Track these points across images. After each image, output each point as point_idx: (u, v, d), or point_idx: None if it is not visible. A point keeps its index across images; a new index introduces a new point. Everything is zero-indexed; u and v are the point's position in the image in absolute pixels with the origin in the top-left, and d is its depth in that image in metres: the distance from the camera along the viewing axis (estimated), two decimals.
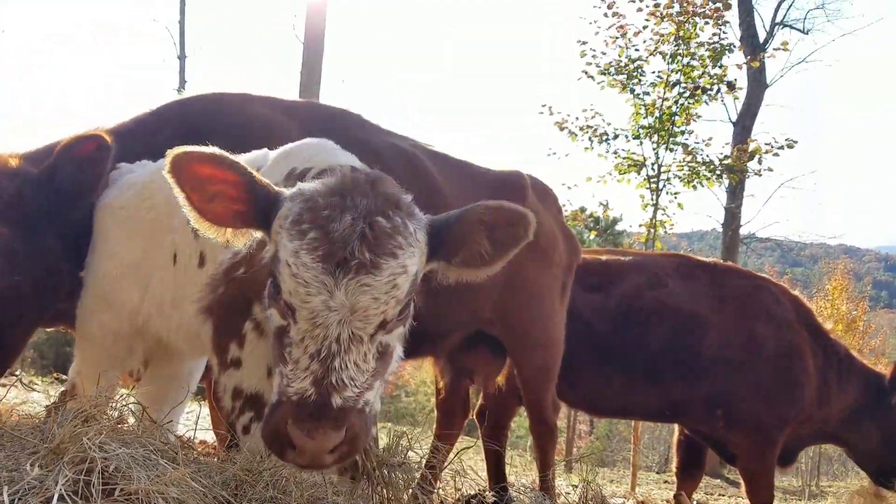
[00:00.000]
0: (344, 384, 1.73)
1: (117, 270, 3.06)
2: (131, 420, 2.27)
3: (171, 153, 1.94)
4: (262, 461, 2.13)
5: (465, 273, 2.12)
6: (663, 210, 12.59)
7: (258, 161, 2.73)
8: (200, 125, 3.81)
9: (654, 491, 9.28)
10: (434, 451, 4.78)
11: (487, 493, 4.22)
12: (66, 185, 3.14)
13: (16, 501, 1.39)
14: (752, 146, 13.54)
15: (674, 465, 6.24)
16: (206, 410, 4.82)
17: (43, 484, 1.41)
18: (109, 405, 1.93)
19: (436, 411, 5.16)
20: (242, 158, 2.83)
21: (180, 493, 1.42)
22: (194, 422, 3.13)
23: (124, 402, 2.39)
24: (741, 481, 5.67)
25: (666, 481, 11.08)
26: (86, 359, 3.17)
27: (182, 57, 19.58)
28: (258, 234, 2.08)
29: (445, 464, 3.71)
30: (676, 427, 6.20)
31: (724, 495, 10.17)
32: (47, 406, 2.73)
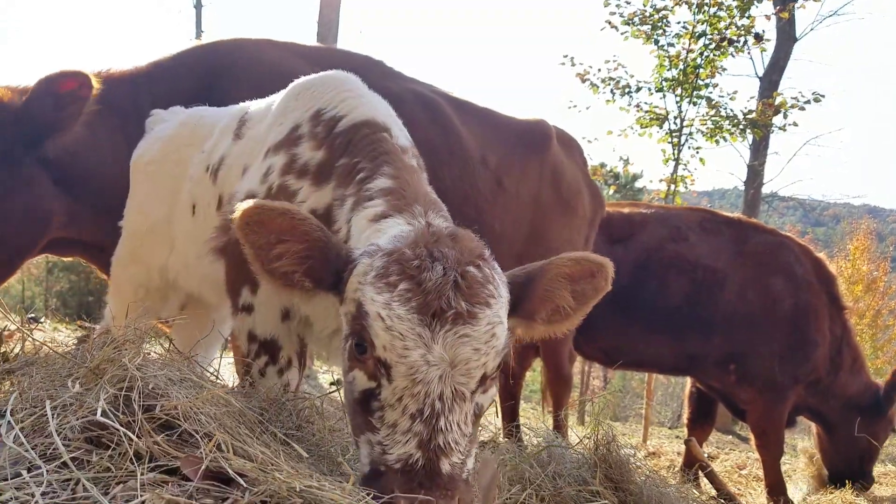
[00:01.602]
0: (451, 448, 1.58)
1: (146, 226, 3.09)
2: (159, 350, 2.34)
3: (242, 206, 1.82)
4: (284, 394, 2.20)
5: (548, 329, 2.00)
6: (685, 165, 12.46)
7: (271, 101, 2.69)
8: (220, 70, 3.82)
9: (665, 445, 9.40)
10: None
11: (501, 437, 4.32)
12: (40, 118, 3.16)
13: (56, 417, 1.46)
14: (777, 100, 13.24)
15: (685, 417, 6.33)
16: (226, 360, 4.93)
17: (83, 400, 1.48)
18: (142, 337, 1.97)
19: None
20: (262, 103, 2.83)
21: (218, 412, 1.48)
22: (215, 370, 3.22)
23: (155, 337, 2.45)
24: (752, 437, 5.75)
25: (678, 436, 11.20)
26: (119, 307, 3.23)
27: (198, 6, 19.39)
28: (325, 296, 1.94)
29: None
30: (688, 380, 6.26)
31: (735, 450, 10.29)
32: (78, 338, 2.82)
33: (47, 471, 1.27)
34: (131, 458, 1.30)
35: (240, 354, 2.54)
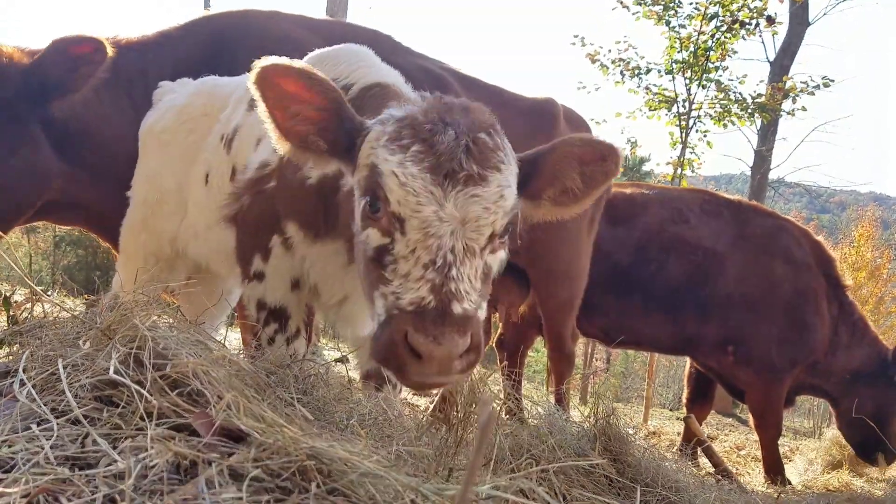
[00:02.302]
0: (462, 294, 1.63)
1: (157, 195, 3.11)
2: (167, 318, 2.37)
3: (259, 64, 1.84)
4: (293, 359, 2.23)
5: (553, 211, 2.06)
6: (692, 149, 12.41)
7: None
8: (229, 40, 3.81)
9: (666, 425, 9.48)
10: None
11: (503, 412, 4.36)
12: (51, 77, 3.20)
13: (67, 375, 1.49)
14: (787, 84, 13.15)
15: (684, 397, 6.38)
16: (233, 334, 4.97)
17: (94, 360, 1.50)
18: (150, 303, 2.00)
19: None
20: None
21: (228, 373, 1.50)
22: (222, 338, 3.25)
23: (162, 305, 2.48)
24: (750, 417, 5.79)
25: (678, 418, 11.28)
26: (128, 276, 3.26)
27: None
28: (336, 165, 2.00)
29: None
30: (688, 360, 6.30)
31: (734, 432, 10.37)
32: (86, 302, 2.85)
33: (57, 425, 1.29)
34: (141, 415, 1.33)
35: (249, 322, 2.56)
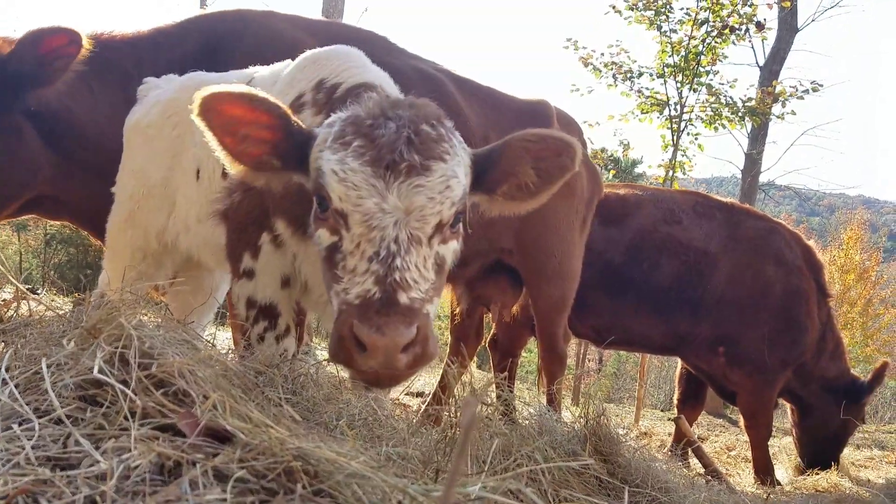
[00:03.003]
0: (408, 284, 1.63)
1: (144, 189, 3.09)
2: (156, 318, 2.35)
3: (200, 95, 1.83)
4: (282, 359, 2.21)
5: (508, 206, 2.06)
6: (683, 151, 12.47)
7: (280, 71, 2.70)
8: (224, 39, 3.80)
9: (658, 426, 9.49)
10: (444, 378, 4.92)
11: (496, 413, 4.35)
12: (22, 69, 3.16)
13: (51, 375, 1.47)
14: (777, 89, 13.24)
15: (675, 398, 6.39)
16: (223, 334, 4.95)
17: (79, 359, 1.48)
18: (137, 301, 1.97)
19: (449, 336, 5.27)
20: (267, 70, 2.83)
21: (215, 373, 1.48)
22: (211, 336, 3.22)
23: (150, 303, 2.45)
24: (741, 418, 5.81)
25: (669, 418, 11.29)
26: (115, 273, 3.23)
27: None
28: (295, 178, 1.99)
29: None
30: (679, 361, 6.31)
31: (725, 432, 10.39)
32: (73, 301, 2.82)
33: (39, 425, 1.27)
34: (126, 415, 1.31)
35: (238, 321, 2.56)
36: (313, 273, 2.39)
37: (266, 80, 2.71)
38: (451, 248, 1.84)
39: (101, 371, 1.37)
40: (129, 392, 1.32)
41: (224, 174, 2.67)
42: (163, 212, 3.03)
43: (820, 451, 5.65)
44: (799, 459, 5.86)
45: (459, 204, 1.79)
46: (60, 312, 1.95)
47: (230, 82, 2.88)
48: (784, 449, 6.69)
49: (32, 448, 1.22)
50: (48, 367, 1.48)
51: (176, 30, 3.84)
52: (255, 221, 2.43)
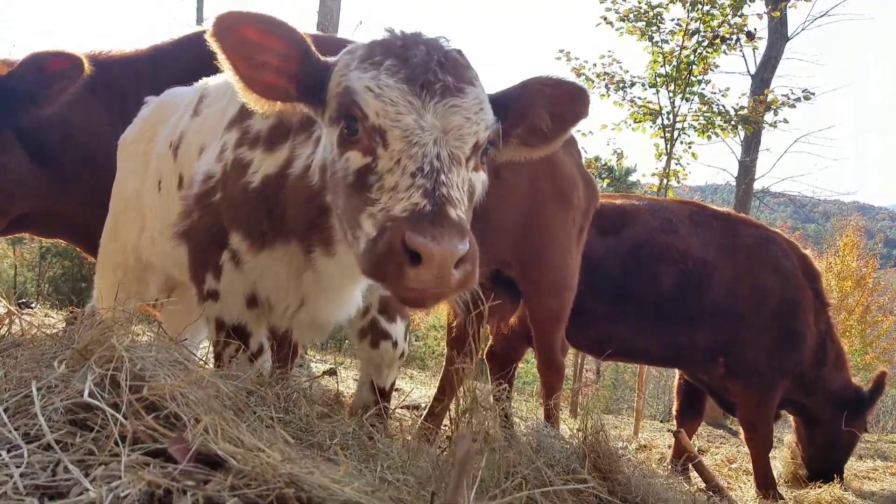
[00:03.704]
0: (455, 200, 1.57)
1: (122, 205, 3.10)
2: (149, 335, 2.32)
3: (218, 14, 1.77)
4: (272, 376, 2.18)
5: (521, 151, 2.04)
6: (677, 160, 12.50)
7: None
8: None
9: (657, 438, 9.44)
10: (441, 390, 4.89)
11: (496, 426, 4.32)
12: (24, 90, 3.19)
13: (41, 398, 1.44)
14: (769, 97, 13.31)
15: (674, 409, 6.35)
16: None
17: (69, 382, 1.46)
18: (129, 319, 1.95)
19: (446, 349, 5.24)
20: (220, 78, 2.74)
21: (207, 395, 1.46)
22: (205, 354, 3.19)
23: (141, 319, 2.43)
24: (741, 430, 5.78)
25: (669, 430, 11.24)
26: (104, 287, 3.22)
27: None
28: (306, 109, 1.93)
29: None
30: (677, 372, 6.29)
31: (725, 444, 10.35)
32: (66, 318, 2.80)
33: (28, 451, 1.25)
34: (116, 440, 1.28)
35: (210, 341, 2.49)
36: (273, 287, 2.30)
37: (218, 89, 2.66)
38: (481, 179, 1.81)
39: (91, 394, 1.35)
40: (119, 416, 1.29)
41: (180, 185, 2.62)
42: (135, 226, 3.01)
43: (825, 462, 5.63)
44: (801, 469, 5.83)
45: (492, 130, 1.76)
46: (52, 332, 1.93)
47: (195, 90, 2.88)
48: (777, 456, 6.65)
49: (21, 476, 1.20)
50: (38, 389, 1.46)
51: (172, 48, 3.88)
52: (213, 240, 2.34)
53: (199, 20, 18.51)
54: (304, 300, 2.35)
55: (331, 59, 1.86)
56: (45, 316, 7.78)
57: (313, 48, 1.87)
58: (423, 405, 6.03)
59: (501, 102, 1.89)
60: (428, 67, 1.67)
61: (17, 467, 1.20)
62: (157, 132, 2.95)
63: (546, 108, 1.96)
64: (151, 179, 2.85)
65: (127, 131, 3.23)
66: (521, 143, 2.01)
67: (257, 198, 2.21)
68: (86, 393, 1.33)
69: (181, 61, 3.79)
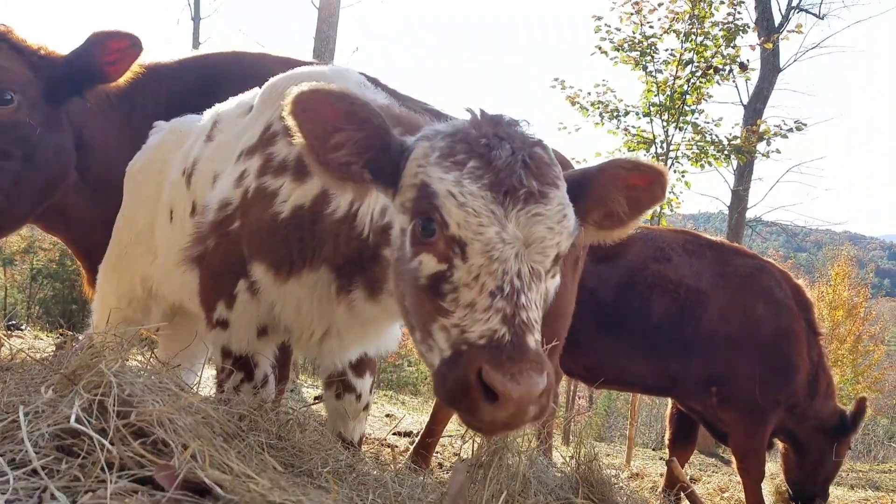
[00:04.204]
0: (533, 325, 1.51)
1: (132, 236, 3.06)
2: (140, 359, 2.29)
3: (296, 90, 1.68)
4: (264, 404, 2.16)
5: (597, 234, 1.95)
6: (670, 188, 12.60)
7: (247, 101, 2.64)
8: (219, 78, 3.89)
9: (649, 466, 9.38)
10: (433, 419, 4.84)
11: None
12: (92, 67, 3.28)
13: (28, 423, 1.43)
14: (761, 127, 13.49)
15: (666, 438, 6.32)
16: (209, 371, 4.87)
17: (57, 407, 1.44)
18: (122, 345, 1.93)
19: None
20: (232, 102, 2.76)
21: (196, 421, 1.44)
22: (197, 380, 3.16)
23: (138, 345, 2.41)
24: (734, 460, 5.76)
25: (661, 458, 11.19)
26: (102, 317, 3.17)
27: (196, 18, 19.37)
28: (380, 194, 1.85)
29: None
30: (669, 401, 6.27)
31: (717, 472, 10.28)
32: (56, 343, 2.77)
33: (14, 478, 1.23)
34: (102, 467, 1.27)
35: (215, 367, 2.44)
36: (296, 316, 2.26)
37: (230, 114, 2.64)
38: (556, 282, 1.74)
39: (78, 420, 1.33)
40: (105, 443, 1.28)
41: (193, 213, 2.57)
42: (147, 258, 2.98)
43: (813, 487, 5.64)
44: (785, 494, 5.84)
45: (574, 235, 1.69)
46: (42, 355, 1.91)
47: (208, 116, 2.87)
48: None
49: (6, 502, 1.18)
50: (25, 415, 1.44)
51: (176, 66, 4.00)
52: (229, 269, 2.28)
53: (195, 44, 18.68)
54: (331, 328, 2.29)
55: (407, 141, 1.77)
56: (35, 338, 7.71)
57: (391, 130, 1.78)
58: (416, 431, 5.98)
59: (579, 185, 1.82)
60: (513, 171, 1.59)
61: (3, 493, 1.19)
62: (169, 161, 2.93)
63: (623, 191, 1.88)
64: (164, 209, 2.81)
65: (136, 159, 3.22)
66: (597, 227, 1.92)
67: (287, 228, 2.15)
68: (72, 419, 1.32)
69: (183, 80, 3.90)
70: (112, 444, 1.30)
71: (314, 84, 1.70)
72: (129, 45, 3.29)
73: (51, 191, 3.45)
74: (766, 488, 6.11)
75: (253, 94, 2.61)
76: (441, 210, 1.58)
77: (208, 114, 2.89)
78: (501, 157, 1.60)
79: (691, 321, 5.36)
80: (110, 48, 3.28)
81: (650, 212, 1.99)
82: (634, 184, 1.88)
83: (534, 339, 1.49)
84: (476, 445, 2.12)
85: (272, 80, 2.52)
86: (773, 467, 6.44)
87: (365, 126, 1.74)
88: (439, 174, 1.61)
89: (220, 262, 2.31)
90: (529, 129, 1.75)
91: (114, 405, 1.37)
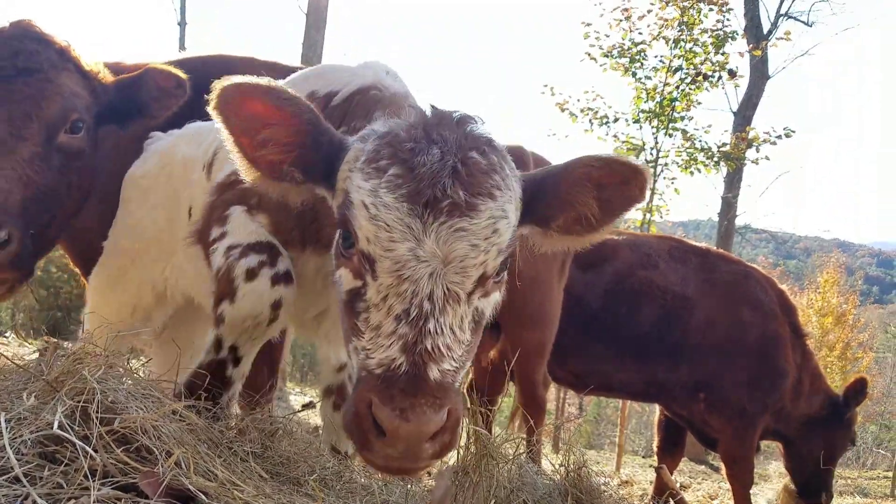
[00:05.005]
0: (441, 353, 1.38)
1: (140, 244, 3.01)
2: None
3: (220, 84, 1.59)
4: (254, 412, 2.15)
5: (564, 240, 1.76)
6: (660, 195, 12.66)
7: None
8: (207, 82, 3.85)
9: (639, 473, 9.39)
10: None
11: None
12: (139, 100, 3.26)
13: (11, 430, 1.41)
14: (750, 134, 13.58)
15: (655, 445, 6.33)
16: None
17: (39, 414, 1.43)
18: (106, 351, 1.91)
19: None
20: None
21: (180, 428, 1.43)
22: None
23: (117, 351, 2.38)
24: (723, 466, 5.77)
25: (651, 465, 11.19)
26: (96, 325, 3.13)
27: (182, 24, 19.31)
28: (318, 191, 1.73)
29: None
30: (658, 408, 6.28)
31: (707, 479, 10.30)
32: (39, 349, 2.74)
33: None
34: (85, 474, 1.26)
35: (215, 273, 2.21)
36: (297, 290, 2.13)
37: None
38: (493, 302, 1.58)
39: (61, 427, 1.32)
40: (89, 450, 1.26)
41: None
42: (159, 265, 2.95)
43: (812, 477, 5.66)
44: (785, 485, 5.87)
45: (507, 251, 1.53)
46: (24, 362, 1.89)
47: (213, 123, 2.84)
48: (763, 490, 6.62)
49: None
50: (7, 421, 1.43)
51: None
52: (229, 202, 2.22)
53: (182, 22, 18.57)
54: (329, 309, 2.23)
55: (346, 140, 1.66)
56: (20, 346, 7.63)
57: (325, 125, 1.68)
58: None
59: (541, 187, 1.67)
60: (437, 179, 1.43)
61: None
62: (177, 168, 2.91)
63: (592, 193, 1.67)
64: (183, 208, 2.77)
65: (137, 166, 3.19)
66: (563, 232, 1.73)
67: (290, 209, 2.05)
68: (55, 425, 1.30)
69: None
70: (95, 450, 1.28)
71: (241, 77, 1.61)
72: (175, 86, 3.28)
73: (79, 212, 3.45)
74: (775, 489, 6.14)
75: None
76: (353, 223, 1.48)
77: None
78: (426, 164, 1.45)
79: (677, 327, 5.39)
80: (158, 84, 3.29)
81: (625, 214, 1.76)
82: (606, 183, 1.68)
83: (438, 370, 1.36)
84: (462, 452, 2.10)
85: (298, 73, 2.50)
86: (781, 467, 6.46)
87: (293, 122, 1.64)
88: (359, 182, 1.50)
89: (223, 202, 2.23)
90: (480, 129, 1.60)
91: (97, 412, 1.35)
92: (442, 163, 1.46)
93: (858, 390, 5.68)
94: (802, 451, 5.64)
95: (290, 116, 1.63)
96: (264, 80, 1.62)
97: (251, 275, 2.04)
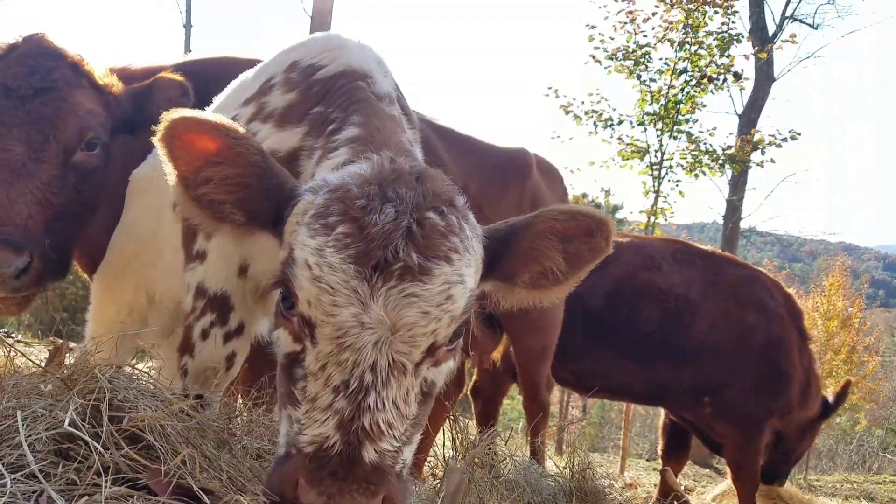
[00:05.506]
0: (380, 431, 1.29)
1: (135, 245, 3.05)
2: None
3: (168, 116, 1.54)
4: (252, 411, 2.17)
5: (531, 295, 1.70)
6: (664, 197, 12.65)
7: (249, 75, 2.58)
8: (211, 83, 3.88)
9: (643, 476, 9.38)
10: (425, 431, 4.84)
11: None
12: (148, 111, 3.20)
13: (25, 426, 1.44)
14: (755, 137, 13.56)
15: (659, 448, 6.33)
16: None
17: (52, 411, 1.46)
18: (118, 352, 1.95)
19: None
20: (235, 82, 2.68)
21: (187, 427, 1.46)
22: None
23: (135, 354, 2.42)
24: (728, 470, 5.79)
25: (655, 468, 11.18)
26: (98, 326, 3.16)
27: (188, 26, 19.43)
28: (264, 238, 1.66)
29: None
30: (663, 411, 6.29)
31: (712, 483, 10.29)
32: (49, 349, 2.77)
33: (12, 481, 1.24)
34: (97, 471, 1.28)
35: (184, 314, 2.30)
36: (270, 265, 2.03)
37: (236, 89, 2.59)
38: (445, 371, 1.49)
39: (73, 425, 1.35)
40: (99, 447, 1.29)
41: None
42: (152, 267, 2.97)
43: (783, 468, 5.90)
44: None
45: (462, 318, 1.43)
46: (37, 360, 1.92)
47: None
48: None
49: None
50: (24, 419, 1.46)
51: (170, 70, 3.98)
52: None
53: (187, 51, 18.71)
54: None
55: (298, 187, 1.57)
56: (26, 346, 7.69)
57: (274, 169, 1.60)
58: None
59: (505, 242, 1.62)
60: (389, 240, 1.35)
61: (1, 496, 1.20)
62: None
63: (557, 246, 1.63)
64: (170, 208, 2.75)
65: (140, 167, 3.22)
66: (530, 287, 1.68)
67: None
68: (66, 422, 1.33)
69: None
70: (106, 448, 1.31)
71: (190, 111, 1.58)
72: (180, 94, 3.26)
73: (91, 220, 3.48)
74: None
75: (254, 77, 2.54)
76: (293, 284, 1.39)
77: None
78: (378, 224, 1.36)
79: (681, 329, 5.38)
80: (166, 95, 3.26)
81: (592, 266, 1.70)
82: (571, 235, 1.63)
83: (375, 451, 1.28)
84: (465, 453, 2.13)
85: (291, 44, 2.45)
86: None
87: (239, 162, 1.56)
88: (304, 238, 1.40)
89: None
90: (441, 186, 1.51)
91: (107, 411, 1.38)
92: (396, 223, 1.37)
93: (846, 393, 5.80)
94: (789, 444, 5.70)
95: (236, 156, 1.56)
96: (214, 116, 1.58)
97: (204, 335, 2.16)
